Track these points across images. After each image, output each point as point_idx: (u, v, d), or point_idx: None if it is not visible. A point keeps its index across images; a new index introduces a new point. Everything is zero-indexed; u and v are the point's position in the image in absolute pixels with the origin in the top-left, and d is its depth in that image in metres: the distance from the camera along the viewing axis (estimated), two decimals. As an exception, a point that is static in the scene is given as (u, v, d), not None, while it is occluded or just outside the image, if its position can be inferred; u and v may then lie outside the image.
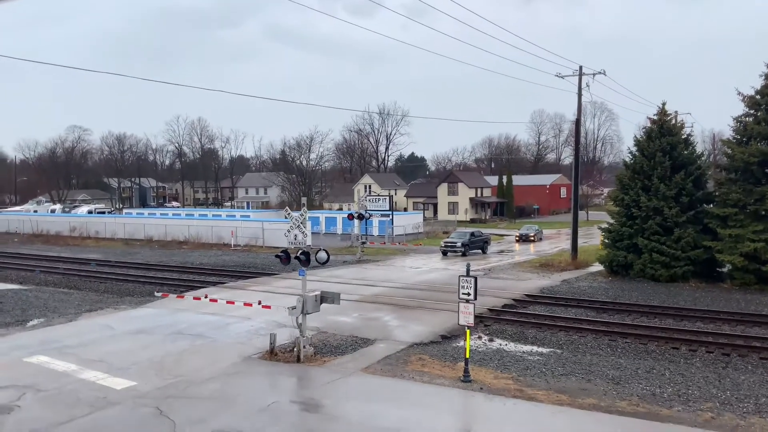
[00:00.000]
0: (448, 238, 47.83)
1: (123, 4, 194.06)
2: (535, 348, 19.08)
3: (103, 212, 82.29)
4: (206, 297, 24.38)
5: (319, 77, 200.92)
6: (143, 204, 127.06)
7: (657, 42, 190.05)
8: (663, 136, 33.03)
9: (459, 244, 44.54)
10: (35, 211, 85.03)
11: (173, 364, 16.36)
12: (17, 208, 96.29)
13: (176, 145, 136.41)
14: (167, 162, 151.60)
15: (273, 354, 16.94)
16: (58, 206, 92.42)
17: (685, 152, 33.20)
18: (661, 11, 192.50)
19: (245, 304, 21.61)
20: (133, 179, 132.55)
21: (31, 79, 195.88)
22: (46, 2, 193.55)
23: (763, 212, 29.47)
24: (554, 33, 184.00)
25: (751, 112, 30.80)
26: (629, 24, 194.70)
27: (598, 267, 35.69)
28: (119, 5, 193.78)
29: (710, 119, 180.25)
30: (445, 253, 44.63)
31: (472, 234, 47.24)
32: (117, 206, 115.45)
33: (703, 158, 35.49)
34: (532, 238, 56.66)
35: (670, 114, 34.65)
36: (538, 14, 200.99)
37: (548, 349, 18.88)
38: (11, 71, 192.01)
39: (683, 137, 33.74)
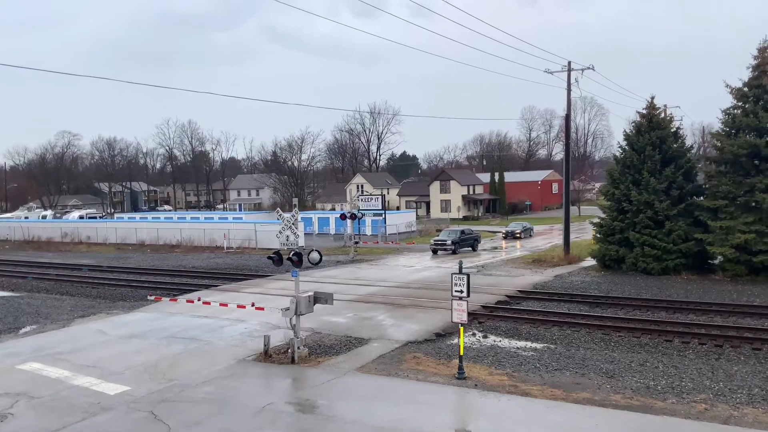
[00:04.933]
0: (437, 236, 47.85)
1: (120, 8, 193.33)
2: (529, 344, 19.13)
3: (95, 217, 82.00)
4: (199, 300, 24.26)
5: (314, 78, 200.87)
6: (135, 208, 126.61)
7: (647, 36, 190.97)
8: (652, 130, 33.18)
9: (449, 242, 44.57)
10: (26, 218, 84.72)
11: (167, 367, 16.31)
12: (8, 215, 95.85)
13: (167, 148, 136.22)
14: (158, 165, 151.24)
15: (267, 355, 16.92)
16: (49, 212, 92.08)
17: (675, 146, 33.36)
18: (653, 6, 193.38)
19: (239, 306, 21.55)
20: (124, 184, 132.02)
21: (21, 85, 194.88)
22: (41, 7, 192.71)
23: (753, 204, 29.66)
24: (554, 30, 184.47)
25: (740, 104, 30.99)
26: (622, 20, 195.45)
27: (590, 262, 35.83)
28: (116, 9, 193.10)
29: (699, 112, 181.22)
30: (435, 252, 44.63)
31: (462, 232, 47.27)
32: (108, 211, 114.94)
33: (692, 151, 35.71)
34: (519, 235, 56.80)
35: (659, 108, 34.86)
36: (541, 11, 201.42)
37: (542, 345, 18.94)
38: (0, 77, 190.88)
39: (672, 131, 33.92)
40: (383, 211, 54.78)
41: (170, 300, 25.55)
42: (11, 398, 13.94)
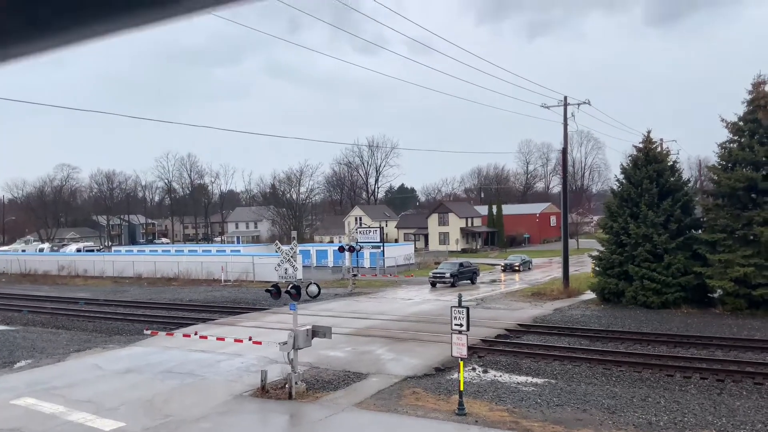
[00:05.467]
0: (436, 269, 47.69)
1: (123, 44, 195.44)
2: (529, 378, 18.94)
3: (92, 250, 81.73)
4: (196, 334, 24.10)
5: (313, 112, 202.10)
6: (132, 241, 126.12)
7: (644, 70, 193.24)
8: (649, 163, 33.38)
9: (448, 275, 44.41)
10: (23, 251, 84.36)
11: (163, 403, 16.09)
12: (5, 247, 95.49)
13: (166, 181, 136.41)
14: (157, 198, 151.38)
15: (264, 391, 16.71)
16: (46, 245, 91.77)
17: (672, 179, 33.54)
18: (650, 41, 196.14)
19: (236, 341, 21.37)
20: (122, 216, 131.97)
21: (21, 119, 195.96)
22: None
23: (752, 237, 29.70)
24: (550, 65, 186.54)
25: (735, 138, 31.26)
26: (620, 55, 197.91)
27: (590, 295, 35.68)
28: (119, 46, 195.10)
29: (696, 146, 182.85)
30: (433, 284, 44.44)
31: (461, 264, 47.15)
32: (106, 244, 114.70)
33: (689, 185, 35.89)
34: (517, 268, 56.68)
35: (656, 142, 35.12)
36: (537, 48, 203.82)
37: (543, 380, 18.74)
38: (1, 112, 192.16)
39: (669, 164, 34.13)
40: (381, 244, 54.75)
41: (167, 334, 25.34)
42: (4, 435, 13.72)
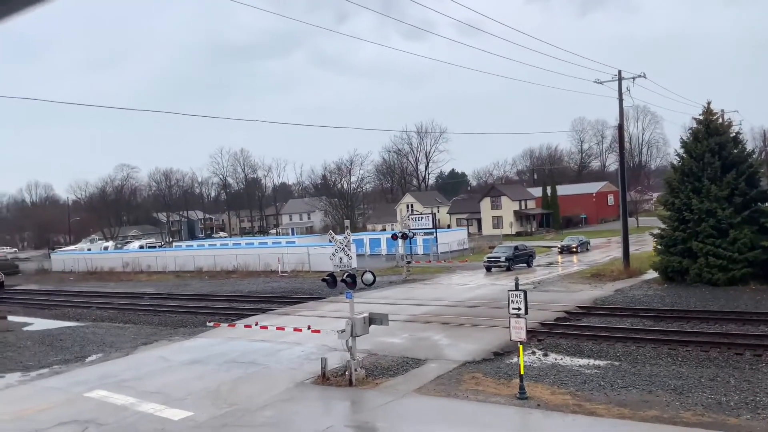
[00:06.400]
0: (491, 253, 47.16)
1: (172, 43, 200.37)
2: (591, 361, 18.57)
3: (154, 246, 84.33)
4: (257, 324, 24.58)
5: (360, 100, 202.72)
6: (192, 236, 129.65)
7: (701, 40, 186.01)
8: (710, 136, 32.13)
9: (503, 259, 43.92)
10: (89, 249, 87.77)
11: (228, 392, 16.50)
12: (72, 247, 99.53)
13: (221, 176, 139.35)
14: (213, 194, 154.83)
15: (325, 378, 16.93)
16: (110, 243, 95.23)
17: (735, 151, 32.20)
18: (708, 9, 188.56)
19: (295, 330, 21.70)
20: (181, 213, 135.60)
21: (81, 122, 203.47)
22: (99, 46, 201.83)
23: (823, 208, 28.28)
24: (607, 41, 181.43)
25: (803, 105, 29.77)
26: (677, 26, 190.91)
27: (652, 274, 34.73)
28: (170, 43, 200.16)
29: (760, 116, 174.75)
30: (488, 269, 44.02)
31: (516, 248, 46.52)
32: (167, 240, 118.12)
33: (754, 156, 34.39)
34: (575, 249, 55.52)
35: (716, 113, 33.74)
36: (590, 23, 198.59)
37: (605, 362, 18.36)
38: (60, 116, 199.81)
39: (732, 136, 32.77)
40: (434, 230, 54.50)
41: (228, 325, 25.95)
42: (80, 425, 14.31)
